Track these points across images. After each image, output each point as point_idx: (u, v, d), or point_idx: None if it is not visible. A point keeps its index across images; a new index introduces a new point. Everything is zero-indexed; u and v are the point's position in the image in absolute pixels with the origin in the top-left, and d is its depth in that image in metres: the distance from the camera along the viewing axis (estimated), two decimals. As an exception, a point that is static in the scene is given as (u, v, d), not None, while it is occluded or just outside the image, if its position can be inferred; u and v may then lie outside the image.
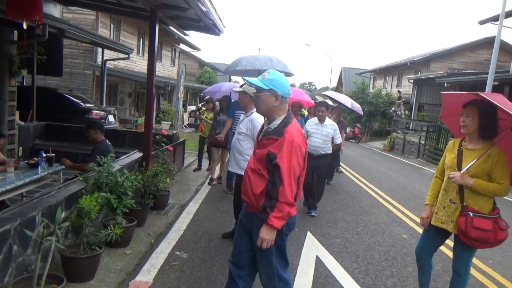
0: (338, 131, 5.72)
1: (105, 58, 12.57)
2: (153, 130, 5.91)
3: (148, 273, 3.46)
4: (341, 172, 9.77)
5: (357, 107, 11.03)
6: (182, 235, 4.45)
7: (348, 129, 19.85)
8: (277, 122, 2.38)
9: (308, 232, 4.88)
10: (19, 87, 7.25)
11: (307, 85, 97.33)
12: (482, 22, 14.71)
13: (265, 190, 2.31)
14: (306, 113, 9.41)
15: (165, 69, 22.04)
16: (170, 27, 10.76)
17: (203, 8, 5.24)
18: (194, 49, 26.27)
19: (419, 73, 22.39)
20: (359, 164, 11.85)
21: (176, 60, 24.70)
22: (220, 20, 6.77)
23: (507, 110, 2.43)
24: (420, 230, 4.50)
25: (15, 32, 6.74)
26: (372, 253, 4.42)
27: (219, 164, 7.57)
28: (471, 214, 2.66)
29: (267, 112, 2.41)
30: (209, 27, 6.79)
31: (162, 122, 16.78)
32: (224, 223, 4.95)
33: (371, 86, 29.82)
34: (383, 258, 4.30)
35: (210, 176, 7.36)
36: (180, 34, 18.80)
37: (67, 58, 12.33)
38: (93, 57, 14.16)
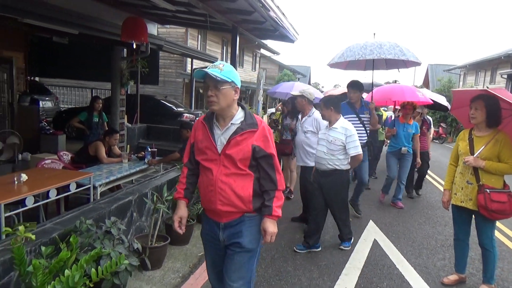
0: (355, 137, 4.07)
1: (194, 67, 14.07)
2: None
3: (229, 242, 4.30)
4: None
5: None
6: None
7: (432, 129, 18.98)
8: (239, 116, 2.19)
9: (371, 220, 5.36)
10: (126, 95, 8.76)
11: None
12: None
13: (255, 189, 2.18)
14: (384, 114, 8.70)
15: (247, 74, 23.37)
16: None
17: (273, 14, 5.90)
18: (274, 53, 27.33)
19: (516, 67, 20.57)
20: (437, 164, 11.61)
21: (257, 65, 25.98)
22: (294, 28, 7.51)
23: (509, 100, 2.94)
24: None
25: (125, 50, 8.21)
26: (429, 240, 4.76)
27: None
28: (488, 190, 3.11)
29: (227, 107, 2.15)
30: (284, 35, 7.58)
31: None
32: (293, 210, 5.61)
33: (461, 83, 28.01)
34: (439, 245, 4.63)
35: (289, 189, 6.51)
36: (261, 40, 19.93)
37: (161, 68, 14.02)
38: (183, 66, 15.87)
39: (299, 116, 5.26)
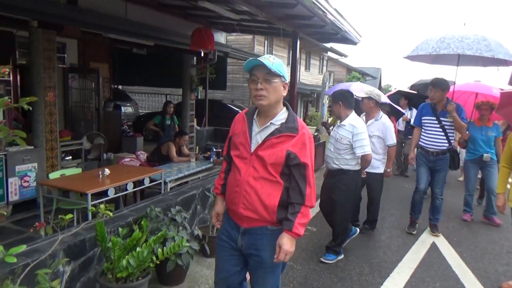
0: (362, 136, 3.67)
1: (259, 71, 14.51)
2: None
3: (284, 237, 4.52)
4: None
5: None
6: (314, 216, 5.39)
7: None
8: (281, 116, 2.04)
9: (431, 224, 5.23)
10: (196, 100, 9.42)
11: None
12: None
13: (282, 199, 1.99)
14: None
15: (313, 77, 23.41)
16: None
17: (331, 18, 6.00)
18: (341, 56, 26.95)
19: None
20: (519, 168, 10.73)
21: (324, 68, 25.89)
22: (355, 30, 7.54)
23: None
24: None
25: (194, 58, 8.87)
26: (493, 246, 4.55)
27: None
28: None
29: (274, 104, 2.01)
30: (345, 38, 7.64)
31: (308, 126, 18.09)
32: (352, 210, 5.69)
33: (553, 81, 25.21)
34: (504, 250, 4.42)
35: None
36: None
37: (229, 74, 14.61)
38: (250, 71, 16.41)
39: (363, 118, 5.09)
